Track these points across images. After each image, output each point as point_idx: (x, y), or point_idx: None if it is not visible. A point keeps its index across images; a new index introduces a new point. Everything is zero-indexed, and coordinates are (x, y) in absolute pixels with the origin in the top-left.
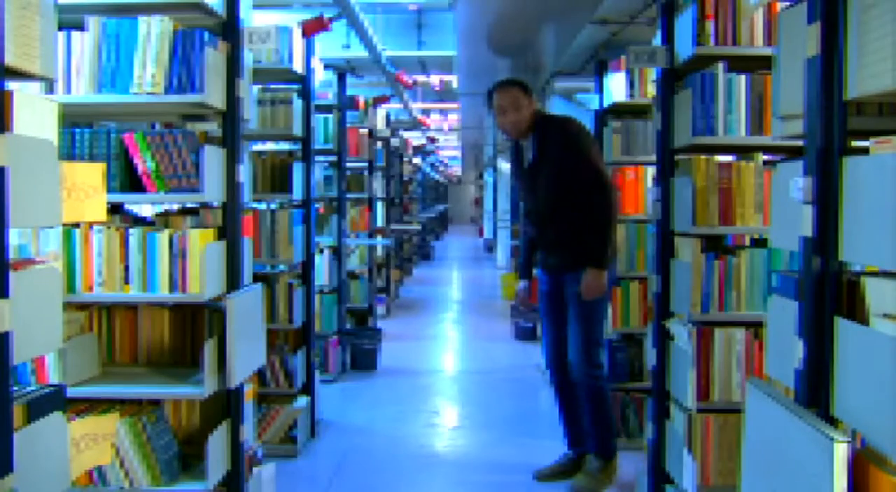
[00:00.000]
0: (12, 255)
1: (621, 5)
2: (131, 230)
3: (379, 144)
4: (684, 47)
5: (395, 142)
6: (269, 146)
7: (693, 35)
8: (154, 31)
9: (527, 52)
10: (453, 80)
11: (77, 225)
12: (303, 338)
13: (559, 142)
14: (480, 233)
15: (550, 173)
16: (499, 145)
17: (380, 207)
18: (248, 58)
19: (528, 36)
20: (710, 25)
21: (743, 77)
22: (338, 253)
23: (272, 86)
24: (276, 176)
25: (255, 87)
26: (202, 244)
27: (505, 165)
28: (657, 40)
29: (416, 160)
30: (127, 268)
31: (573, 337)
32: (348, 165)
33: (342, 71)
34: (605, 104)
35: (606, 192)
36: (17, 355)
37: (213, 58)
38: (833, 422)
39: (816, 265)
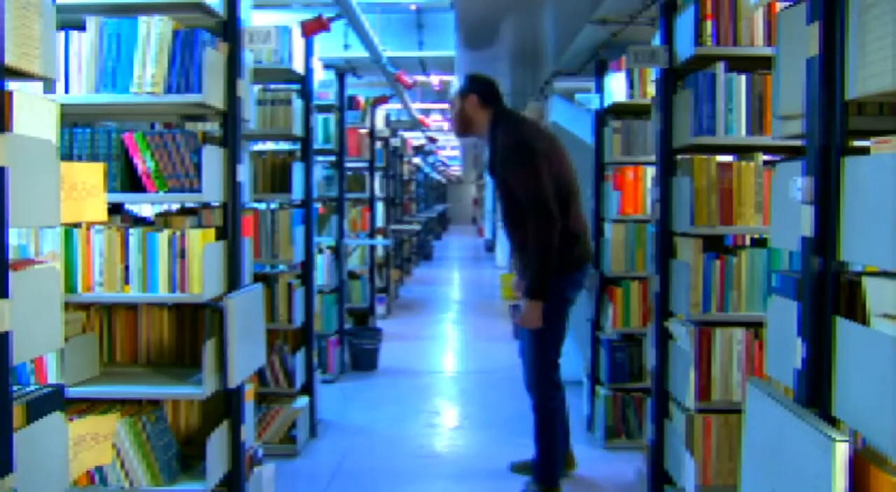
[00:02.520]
0: (12, 255)
1: (621, 5)
2: (131, 230)
3: (379, 144)
4: (684, 47)
5: (395, 142)
6: (269, 146)
7: (693, 35)
8: (154, 31)
9: (526, 52)
10: (453, 80)
11: (77, 225)
12: (303, 338)
13: (498, 154)
14: (480, 233)
15: (496, 183)
16: None
17: (380, 207)
18: (248, 58)
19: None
20: (710, 25)
21: (743, 77)
22: (338, 253)
23: (272, 86)
24: (276, 176)
25: (255, 87)
26: (202, 244)
27: None
28: (657, 40)
29: (416, 160)
30: (127, 268)
31: (527, 355)
32: (348, 165)
33: (342, 71)
34: (605, 104)
35: (540, 219)
36: (17, 355)
37: (213, 58)
38: (833, 422)
39: (816, 265)
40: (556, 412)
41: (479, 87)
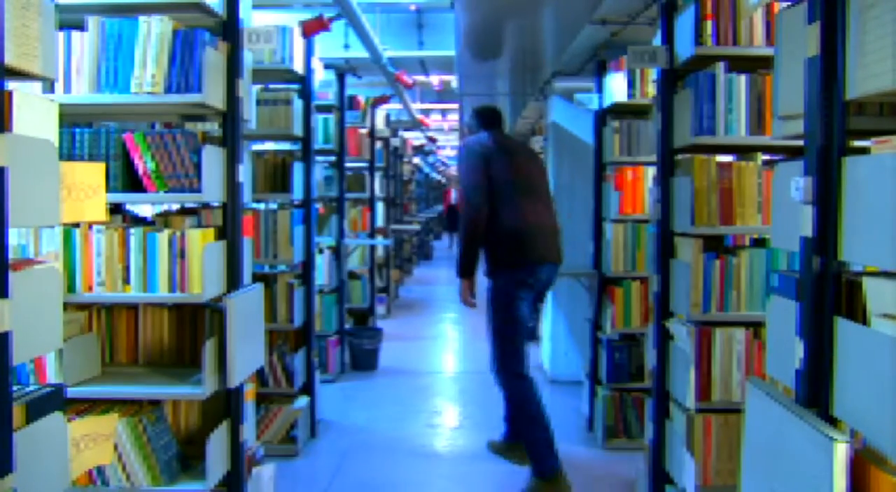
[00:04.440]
0: (12, 255)
1: (621, 5)
2: (131, 230)
3: (379, 143)
4: (684, 47)
5: (395, 142)
6: (269, 146)
7: (693, 35)
8: (154, 31)
9: (526, 53)
10: (453, 80)
11: (77, 225)
12: (303, 338)
13: None
14: None
15: None
16: None
17: (380, 207)
18: (248, 58)
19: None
20: (710, 25)
21: (743, 77)
22: (338, 253)
23: (272, 86)
24: (276, 176)
25: (255, 87)
26: (202, 244)
27: None
28: (657, 40)
29: (416, 160)
30: (127, 268)
31: (490, 346)
32: (348, 165)
33: (342, 71)
34: (605, 104)
35: (468, 210)
36: (17, 355)
37: (213, 58)
38: (833, 422)
39: (816, 265)
40: (526, 400)
41: (474, 118)
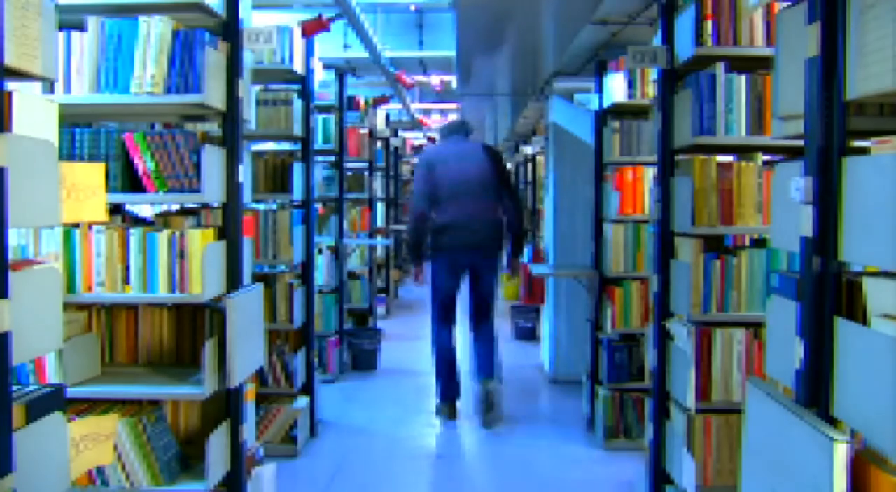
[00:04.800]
0: (12, 255)
1: (621, 5)
2: (131, 230)
3: (379, 144)
4: (684, 47)
5: (395, 142)
6: (269, 146)
7: (693, 35)
8: (154, 32)
9: (526, 53)
10: (453, 80)
11: (77, 225)
12: (303, 338)
13: None
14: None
15: None
16: (498, 145)
17: (380, 207)
18: (248, 58)
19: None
20: (710, 25)
21: (743, 77)
22: (338, 253)
23: (272, 86)
24: (276, 176)
25: (255, 87)
26: (202, 244)
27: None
28: (657, 40)
29: (416, 160)
30: (127, 268)
31: None
32: (348, 165)
33: (342, 71)
34: (605, 104)
35: (410, 211)
36: (17, 355)
37: (213, 58)
38: (833, 422)
39: (816, 265)
40: (435, 344)
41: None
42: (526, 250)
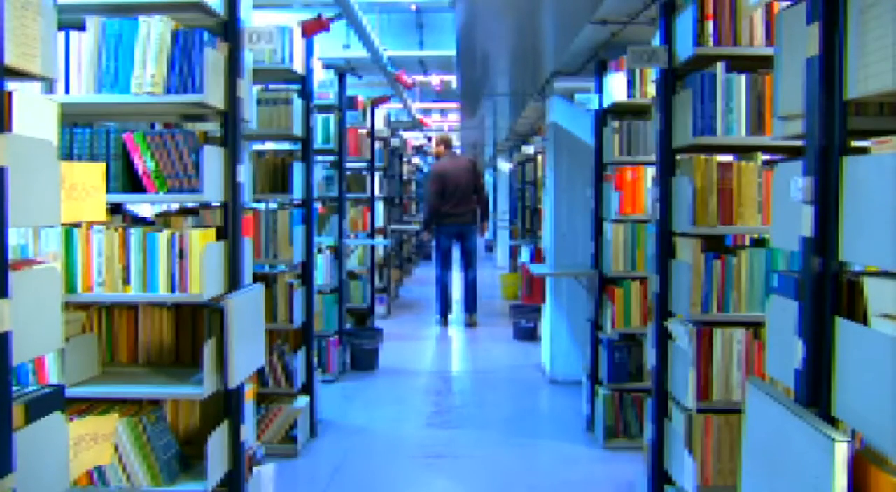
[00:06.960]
0: (12, 255)
1: (621, 5)
2: (131, 230)
3: (379, 144)
4: (684, 47)
5: (395, 142)
6: (269, 146)
7: (693, 35)
8: (154, 32)
9: (526, 52)
10: (453, 80)
11: (77, 225)
12: (303, 338)
13: None
14: (481, 232)
15: None
16: (498, 145)
17: (380, 207)
18: (248, 58)
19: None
20: (710, 25)
21: (743, 77)
22: (338, 253)
23: (272, 86)
24: (276, 176)
25: (255, 87)
26: (202, 244)
27: (505, 165)
28: (657, 40)
29: (416, 160)
30: (127, 268)
31: None
32: (348, 165)
33: (342, 71)
34: (605, 104)
35: (427, 204)
36: (17, 355)
37: (213, 58)
38: (833, 422)
39: (816, 265)
40: (438, 281)
41: (438, 145)
42: (488, 225)
